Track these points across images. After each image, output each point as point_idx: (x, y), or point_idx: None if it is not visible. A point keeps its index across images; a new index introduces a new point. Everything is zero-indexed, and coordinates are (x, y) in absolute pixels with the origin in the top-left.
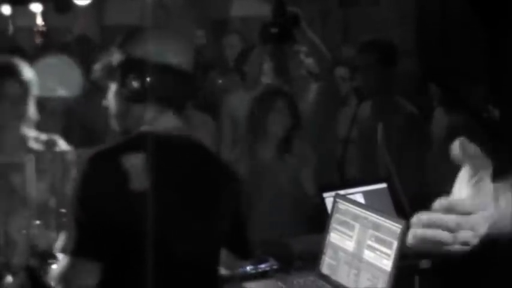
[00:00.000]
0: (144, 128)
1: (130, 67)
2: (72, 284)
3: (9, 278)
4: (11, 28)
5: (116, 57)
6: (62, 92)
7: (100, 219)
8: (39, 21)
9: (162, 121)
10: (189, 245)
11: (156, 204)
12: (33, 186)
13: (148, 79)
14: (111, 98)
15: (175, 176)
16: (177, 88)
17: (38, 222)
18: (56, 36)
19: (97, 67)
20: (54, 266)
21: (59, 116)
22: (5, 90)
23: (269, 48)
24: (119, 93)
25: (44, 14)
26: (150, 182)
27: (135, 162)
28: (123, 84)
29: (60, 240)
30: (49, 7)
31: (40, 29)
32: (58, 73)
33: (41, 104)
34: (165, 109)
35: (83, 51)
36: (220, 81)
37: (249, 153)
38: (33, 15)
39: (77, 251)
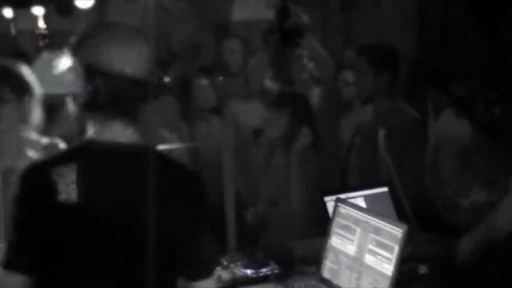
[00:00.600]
0: (90, 137)
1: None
2: None
3: None
4: (13, 31)
5: (64, 62)
6: (61, 91)
7: (30, 233)
8: (41, 24)
9: (109, 129)
10: (135, 257)
11: (94, 215)
12: None
13: (95, 86)
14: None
15: (119, 184)
16: (125, 95)
17: None
18: (58, 39)
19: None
20: None
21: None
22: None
23: (271, 52)
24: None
25: (46, 17)
26: (83, 194)
27: (63, 174)
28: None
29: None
30: (51, 10)
31: (42, 31)
32: (57, 72)
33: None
34: (113, 117)
35: None
36: (220, 78)
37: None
38: (35, 18)
39: (7, 264)
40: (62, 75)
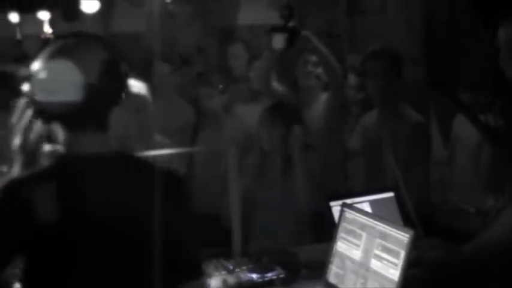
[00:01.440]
0: (63, 151)
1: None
2: None
3: (17, 286)
4: (18, 35)
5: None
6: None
7: (4, 252)
8: (47, 28)
9: (79, 140)
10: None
11: (78, 232)
12: None
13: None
14: None
15: (100, 197)
16: (86, 104)
17: None
18: None
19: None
20: None
21: None
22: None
23: (275, 56)
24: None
25: (52, 22)
26: (63, 212)
27: (41, 193)
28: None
29: None
30: (57, 15)
31: (47, 36)
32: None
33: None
34: (83, 130)
35: None
36: (220, 86)
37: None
38: (40, 22)
39: None
40: (57, 82)
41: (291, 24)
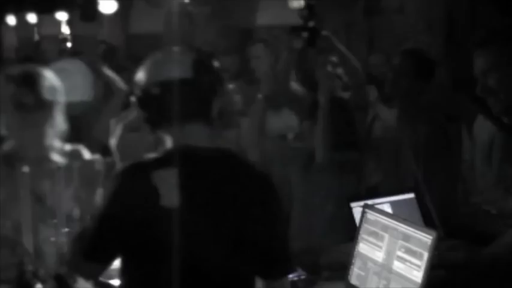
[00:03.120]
0: (174, 144)
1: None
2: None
3: (38, 286)
4: (36, 36)
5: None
6: (74, 97)
7: (120, 233)
8: (64, 29)
9: (189, 133)
10: (219, 255)
11: (186, 218)
12: (61, 196)
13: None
14: None
15: (205, 188)
16: (197, 99)
17: (66, 230)
18: (81, 44)
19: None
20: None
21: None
22: (22, 99)
23: (294, 57)
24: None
25: (70, 22)
26: (180, 199)
27: (165, 179)
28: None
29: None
30: (75, 15)
31: (65, 36)
32: (70, 78)
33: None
34: (191, 122)
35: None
36: (230, 86)
37: None
38: (58, 23)
39: (85, 255)
40: (73, 82)
41: (310, 24)
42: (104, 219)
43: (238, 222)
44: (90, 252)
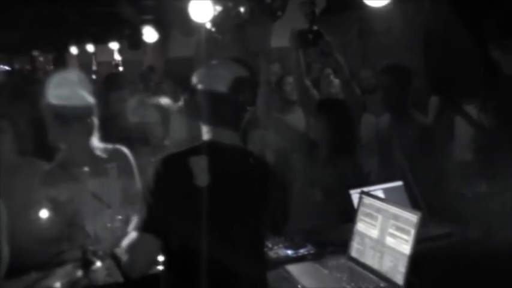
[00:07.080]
0: (206, 139)
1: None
2: (137, 254)
3: (98, 263)
4: (94, 63)
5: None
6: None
7: (167, 205)
8: (116, 56)
9: (218, 134)
10: (241, 224)
11: (214, 194)
12: (114, 189)
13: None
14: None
15: (228, 173)
16: (229, 111)
17: (119, 217)
18: (129, 68)
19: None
20: (125, 241)
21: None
22: (74, 113)
23: (303, 69)
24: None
25: (120, 50)
26: (209, 179)
27: (198, 163)
28: (186, 106)
29: (133, 222)
30: (124, 44)
31: (117, 62)
32: (71, 85)
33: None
34: (221, 126)
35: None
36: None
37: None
38: (111, 51)
39: (144, 227)
40: (73, 89)
41: (315, 27)
42: (154, 195)
43: (252, 196)
44: (148, 224)
